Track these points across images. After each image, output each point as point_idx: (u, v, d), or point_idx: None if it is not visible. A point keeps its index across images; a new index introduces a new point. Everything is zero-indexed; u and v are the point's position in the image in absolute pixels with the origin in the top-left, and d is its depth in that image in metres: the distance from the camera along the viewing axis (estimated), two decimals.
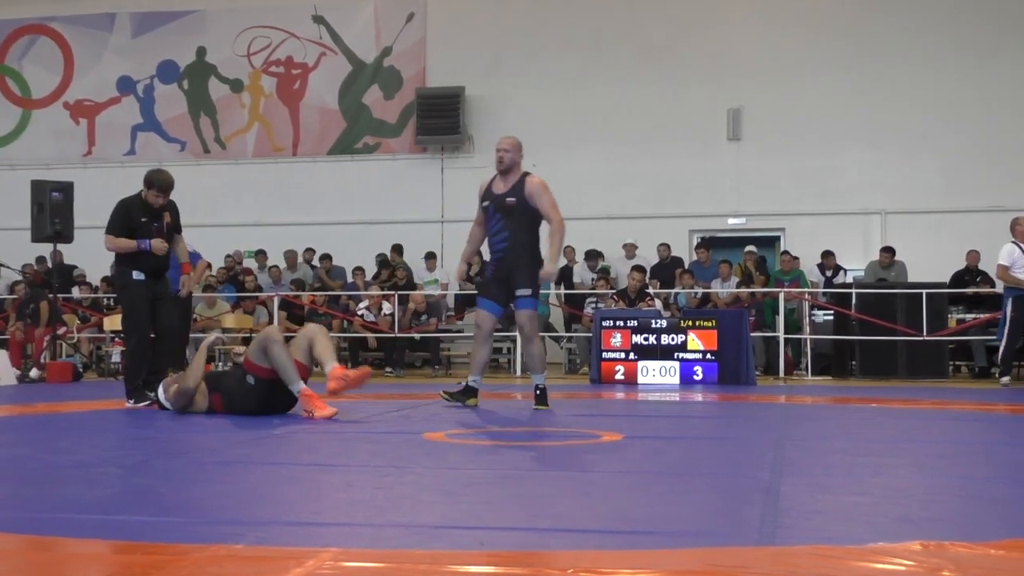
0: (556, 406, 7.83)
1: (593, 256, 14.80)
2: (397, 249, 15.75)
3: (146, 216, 7.73)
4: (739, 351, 10.87)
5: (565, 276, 14.88)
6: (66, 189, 11.87)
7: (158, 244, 7.67)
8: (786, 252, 14.60)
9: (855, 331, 12.44)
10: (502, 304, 7.33)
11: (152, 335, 7.74)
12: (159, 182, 7.74)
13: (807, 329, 13.44)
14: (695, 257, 15.39)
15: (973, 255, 14.04)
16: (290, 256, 15.90)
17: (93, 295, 15.27)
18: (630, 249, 14.66)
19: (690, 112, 16.25)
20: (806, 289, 13.94)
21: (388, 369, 13.64)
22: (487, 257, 7.93)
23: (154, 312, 7.74)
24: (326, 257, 15.80)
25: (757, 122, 16.17)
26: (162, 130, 17.94)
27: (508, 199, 7.16)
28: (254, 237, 16.94)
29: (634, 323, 11.14)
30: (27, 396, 9.15)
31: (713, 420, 7.33)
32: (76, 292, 15.27)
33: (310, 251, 16.20)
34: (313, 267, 15.91)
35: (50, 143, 18.13)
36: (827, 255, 14.44)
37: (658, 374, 10.99)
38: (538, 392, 7.24)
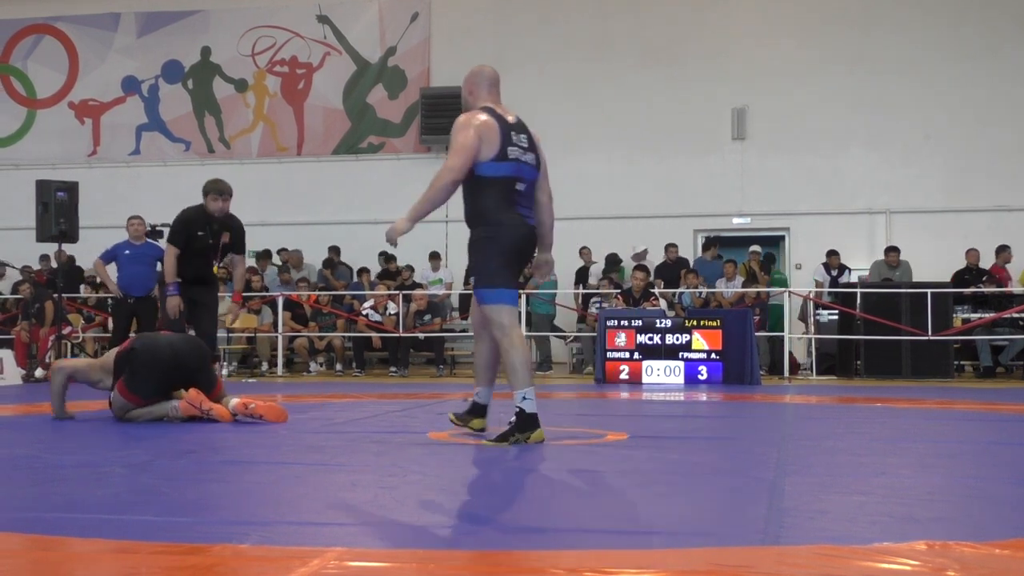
0: (560, 405, 7.83)
1: (612, 263, 14.69)
2: (335, 250, 16.07)
3: (203, 231, 7.63)
4: (744, 351, 10.87)
5: (582, 277, 14.94)
6: (71, 189, 11.88)
7: (172, 305, 7.52)
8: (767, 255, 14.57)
9: (860, 331, 12.43)
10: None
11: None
12: (214, 187, 7.66)
13: (812, 329, 13.43)
14: (701, 256, 15.38)
15: (973, 254, 14.04)
16: (295, 256, 15.91)
17: (97, 295, 15.29)
18: (640, 255, 14.50)
19: (694, 112, 16.24)
20: (812, 288, 13.93)
21: (392, 369, 13.65)
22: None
23: (193, 317, 7.62)
24: (330, 264, 15.81)
25: (761, 121, 16.16)
26: (167, 130, 17.96)
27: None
28: (258, 237, 16.93)
29: (639, 323, 11.14)
30: (32, 396, 9.16)
31: (717, 420, 7.33)
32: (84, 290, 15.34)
33: (284, 250, 16.17)
34: (279, 266, 15.82)
35: (55, 143, 18.15)
36: (832, 254, 14.43)
37: (662, 374, 10.99)
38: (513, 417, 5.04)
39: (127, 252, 10.83)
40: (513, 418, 5.02)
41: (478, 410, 5.38)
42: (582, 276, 14.98)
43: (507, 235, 5.03)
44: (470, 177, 5.05)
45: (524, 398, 4.99)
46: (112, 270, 10.99)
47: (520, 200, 5.11)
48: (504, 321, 5.05)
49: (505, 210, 5.04)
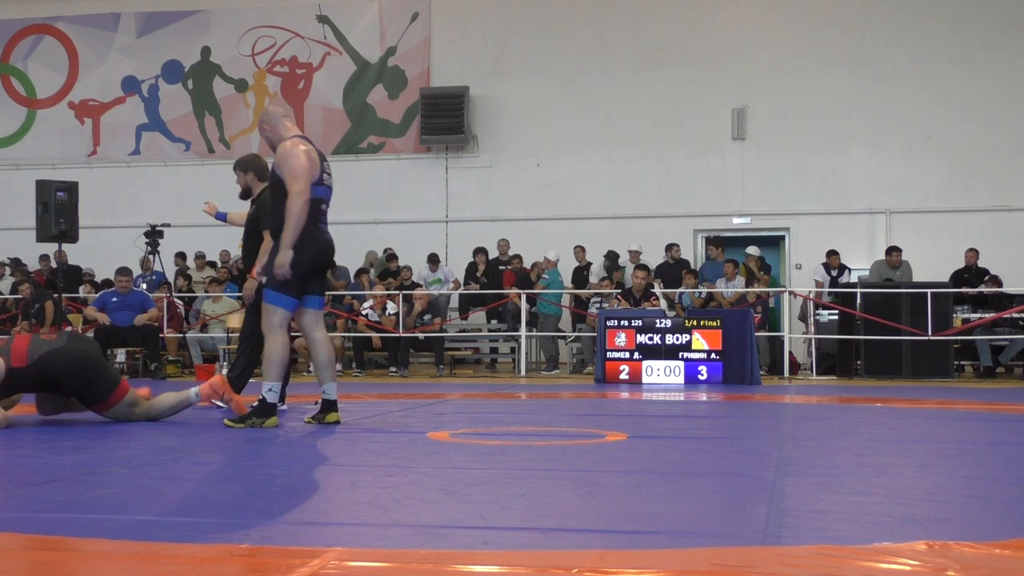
0: (560, 405, 7.82)
1: (612, 258, 14.67)
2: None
3: (251, 207, 7.71)
4: (744, 351, 10.86)
5: (581, 276, 14.92)
6: (71, 189, 11.89)
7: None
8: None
9: (860, 331, 12.43)
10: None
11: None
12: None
13: (812, 329, 13.43)
14: (701, 257, 15.36)
15: (971, 254, 14.03)
16: None
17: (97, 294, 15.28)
18: (635, 256, 14.46)
19: (694, 112, 16.25)
20: (812, 288, 13.92)
21: (392, 369, 13.65)
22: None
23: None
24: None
25: (761, 121, 16.16)
26: (167, 130, 17.95)
27: None
28: None
29: (639, 323, 11.13)
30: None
31: (717, 420, 7.33)
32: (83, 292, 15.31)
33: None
34: None
35: (55, 143, 18.15)
36: (832, 254, 14.43)
37: (663, 374, 10.98)
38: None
39: (114, 300, 11.76)
40: (256, 403, 5.76)
41: (329, 405, 5.93)
42: (576, 276, 14.92)
43: (309, 248, 5.83)
44: (286, 195, 5.78)
45: (269, 389, 5.75)
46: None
47: (322, 217, 6.06)
48: (275, 322, 5.76)
49: (311, 225, 5.86)
